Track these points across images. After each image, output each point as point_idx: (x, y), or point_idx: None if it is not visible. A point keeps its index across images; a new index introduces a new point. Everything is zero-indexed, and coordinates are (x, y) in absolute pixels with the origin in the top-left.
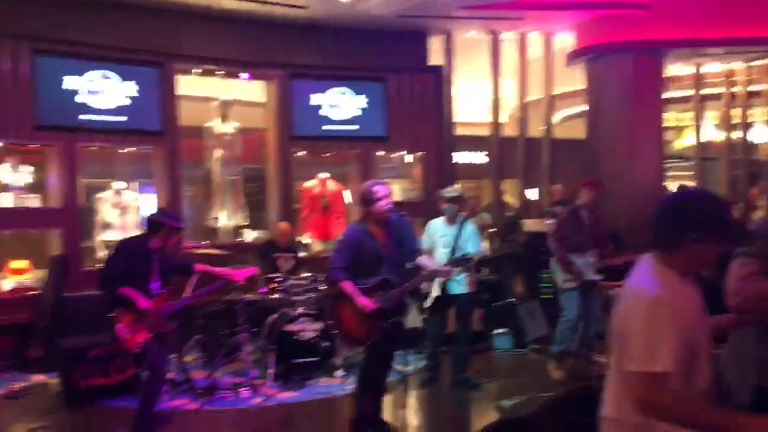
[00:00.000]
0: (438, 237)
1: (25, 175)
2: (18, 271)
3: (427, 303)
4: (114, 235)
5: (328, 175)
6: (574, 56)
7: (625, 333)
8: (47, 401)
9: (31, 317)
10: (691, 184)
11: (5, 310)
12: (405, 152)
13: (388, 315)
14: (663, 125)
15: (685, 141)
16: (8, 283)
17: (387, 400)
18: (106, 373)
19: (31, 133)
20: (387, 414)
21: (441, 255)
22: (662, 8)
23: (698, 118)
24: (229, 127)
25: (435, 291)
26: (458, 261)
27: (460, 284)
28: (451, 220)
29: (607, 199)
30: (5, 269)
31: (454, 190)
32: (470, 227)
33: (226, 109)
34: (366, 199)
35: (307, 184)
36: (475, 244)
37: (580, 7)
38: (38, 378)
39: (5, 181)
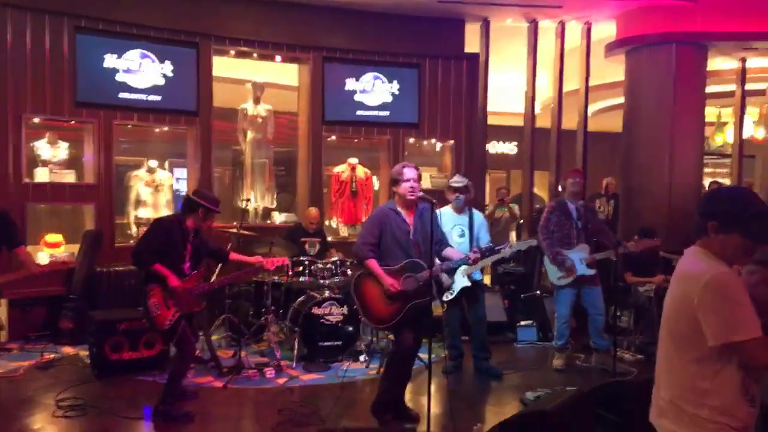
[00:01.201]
0: (450, 227)
1: (61, 150)
2: (53, 245)
3: (452, 293)
4: (146, 213)
5: (357, 160)
6: (614, 47)
7: (690, 317)
8: (77, 373)
9: (63, 290)
10: (726, 181)
11: (39, 282)
12: (434, 140)
13: (411, 298)
14: (703, 120)
15: (723, 137)
16: (43, 256)
17: (409, 387)
18: (136, 348)
19: (71, 109)
20: (409, 400)
21: (455, 245)
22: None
23: (740, 115)
24: (262, 110)
25: (461, 281)
26: (489, 251)
27: (477, 272)
28: (460, 210)
29: (644, 192)
30: (41, 242)
31: (461, 179)
32: (479, 217)
33: (259, 91)
34: (394, 179)
35: (337, 168)
36: (486, 235)
37: None
38: (69, 350)
39: (43, 156)
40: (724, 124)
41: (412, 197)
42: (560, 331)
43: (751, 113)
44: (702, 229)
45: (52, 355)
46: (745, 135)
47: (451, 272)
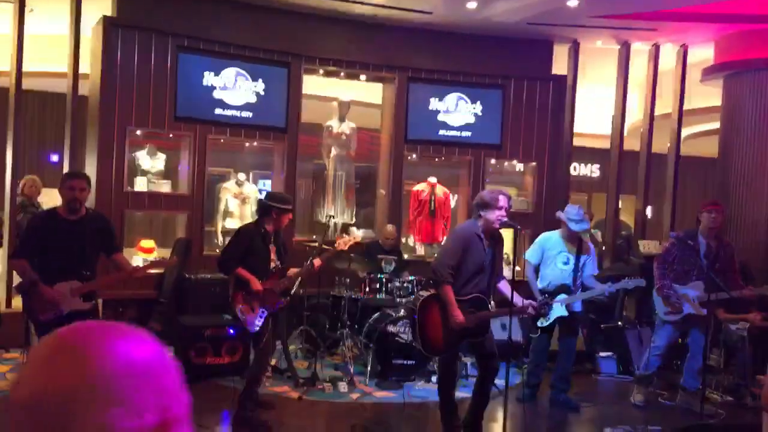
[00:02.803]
0: (556, 252)
1: (159, 161)
2: (146, 250)
3: (547, 320)
4: (233, 224)
5: (436, 179)
6: (711, 71)
7: None
8: None
9: (153, 293)
10: None
11: (132, 284)
12: (517, 161)
13: (466, 334)
14: None
15: None
16: (137, 260)
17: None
18: (218, 353)
19: (170, 123)
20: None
21: (558, 272)
22: None
23: None
24: (346, 127)
25: (559, 310)
26: (543, 304)
27: (578, 303)
28: (572, 241)
29: (740, 224)
30: (136, 246)
31: (581, 219)
32: (589, 247)
33: (344, 109)
34: (486, 204)
35: (417, 187)
36: (592, 267)
37: (721, 20)
38: None
39: (143, 167)
40: None
41: (499, 225)
42: (651, 362)
43: None
44: None
45: None
46: None
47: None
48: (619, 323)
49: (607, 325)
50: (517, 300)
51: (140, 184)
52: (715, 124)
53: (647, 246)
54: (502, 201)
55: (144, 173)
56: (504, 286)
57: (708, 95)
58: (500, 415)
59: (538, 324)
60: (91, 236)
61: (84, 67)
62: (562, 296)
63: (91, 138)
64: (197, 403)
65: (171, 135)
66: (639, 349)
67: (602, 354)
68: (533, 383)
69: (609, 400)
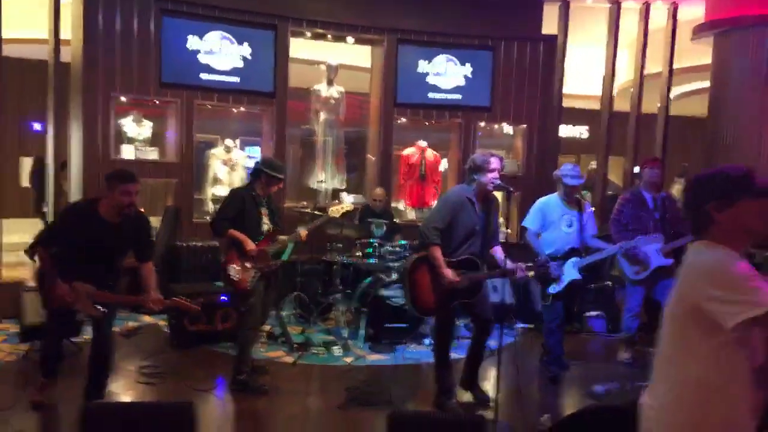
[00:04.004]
0: (558, 216)
1: (146, 128)
2: None
3: (559, 287)
4: (222, 191)
5: (426, 143)
6: (702, 29)
7: (697, 306)
8: (157, 342)
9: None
10: None
11: None
12: (507, 123)
13: (458, 295)
14: None
15: None
16: None
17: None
18: (212, 321)
19: (156, 89)
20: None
21: (563, 235)
22: None
23: None
24: (335, 92)
25: (571, 273)
26: (541, 265)
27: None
28: (571, 201)
29: None
30: None
31: (578, 175)
32: (587, 207)
33: (332, 73)
34: (478, 167)
35: (406, 151)
36: (592, 227)
37: None
38: (149, 319)
39: (129, 134)
40: None
41: (492, 188)
42: (629, 324)
43: None
44: (702, 221)
45: (134, 324)
46: None
47: (561, 263)
48: (608, 283)
49: (596, 284)
50: (509, 263)
51: (127, 152)
52: (705, 83)
53: None
54: (495, 163)
55: (130, 141)
56: (497, 251)
57: (698, 53)
58: (493, 374)
59: (550, 291)
60: (125, 241)
61: (65, 33)
62: (574, 259)
63: (74, 106)
64: (193, 370)
65: (157, 101)
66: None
67: (591, 313)
68: (557, 355)
69: (598, 358)
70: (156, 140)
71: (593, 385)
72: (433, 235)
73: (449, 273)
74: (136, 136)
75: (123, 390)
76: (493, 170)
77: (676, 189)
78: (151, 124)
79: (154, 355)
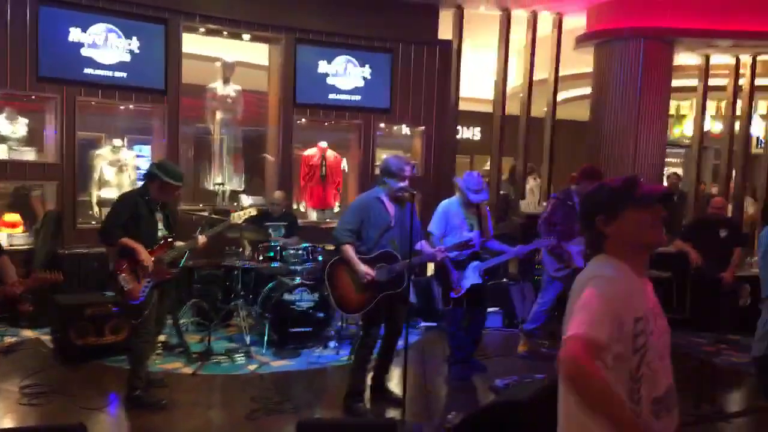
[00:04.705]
0: (459, 221)
1: (21, 126)
2: (10, 225)
3: (462, 289)
4: (110, 193)
5: (326, 144)
6: (583, 39)
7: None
8: (40, 358)
9: (23, 272)
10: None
11: None
12: (405, 125)
13: (384, 288)
14: (668, 114)
15: (681, 129)
16: (1, 237)
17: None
18: (101, 333)
19: (32, 84)
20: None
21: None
22: None
23: (702, 109)
24: (231, 90)
25: (473, 278)
26: (463, 245)
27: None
28: (470, 206)
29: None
30: None
31: (481, 185)
32: (485, 210)
33: (229, 71)
34: (392, 174)
35: (307, 152)
36: (490, 227)
37: None
38: (29, 333)
39: (2, 132)
40: (683, 116)
41: (401, 194)
42: (539, 316)
43: (709, 108)
44: (595, 236)
45: (12, 339)
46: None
47: (461, 267)
48: (504, 280)
49: (492, 282)
50: (426, 248)
51: (0, 152)
52: (587, 90)
53: (526, 206)
54: (407, 170)
55: (3, 140)
56: (424, 245)
57: (582, 62)
58: (399, 373)
59: (452, 295)
60: None
61: None
62: (475, 263)
63: None
64: (83, 387)
65: (33, 96)
66: (522, 303)
67: (489, 309)
68: (460, 359)
69: (497, 352)
70: (33, 139)
71: (495, 379)
72: (344, 235)
73: (363, 267)
74: (10, 134)
75: (3, 413)
76: (406, 177)
77: (529, 188)
78: (26, 121)
79: (37, 372)
